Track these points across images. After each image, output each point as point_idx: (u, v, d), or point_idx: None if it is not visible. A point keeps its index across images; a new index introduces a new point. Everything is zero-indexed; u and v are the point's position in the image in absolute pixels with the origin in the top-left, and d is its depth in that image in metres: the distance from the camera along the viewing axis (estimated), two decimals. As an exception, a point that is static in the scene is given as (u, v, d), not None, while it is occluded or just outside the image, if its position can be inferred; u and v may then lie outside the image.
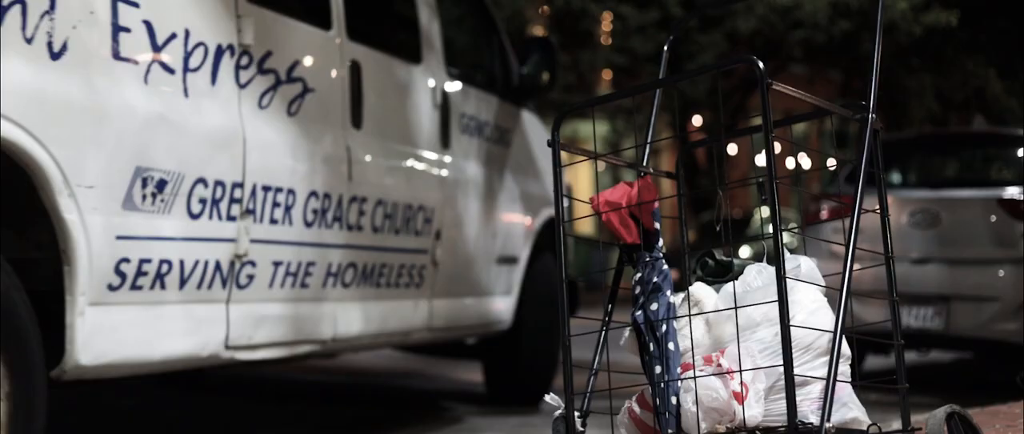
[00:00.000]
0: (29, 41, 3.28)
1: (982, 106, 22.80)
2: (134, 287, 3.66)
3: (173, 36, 3.82)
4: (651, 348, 2.83)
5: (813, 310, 2.86)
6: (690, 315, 2.87)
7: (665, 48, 3.43)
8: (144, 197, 3.62)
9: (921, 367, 9.28)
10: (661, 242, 2.95)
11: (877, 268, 3.03)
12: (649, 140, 3.27)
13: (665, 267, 2.90)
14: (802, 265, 2.97)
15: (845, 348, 2.80)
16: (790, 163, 19.36)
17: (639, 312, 2.87)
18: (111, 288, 3.55)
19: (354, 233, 4.78)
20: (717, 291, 2.98)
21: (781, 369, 2.57)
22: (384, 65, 5.21)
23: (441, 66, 5.77)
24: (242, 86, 4.14)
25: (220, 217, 3.99)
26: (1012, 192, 7.39)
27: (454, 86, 5.88)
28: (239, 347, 4.21)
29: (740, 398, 2.71)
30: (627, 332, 2.93)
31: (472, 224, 5.89)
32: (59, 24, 3.34)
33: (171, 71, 3.80)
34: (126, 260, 3.57)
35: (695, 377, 2.74)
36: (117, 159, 3.51)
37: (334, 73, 4.75)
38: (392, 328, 5.20)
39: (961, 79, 22.44)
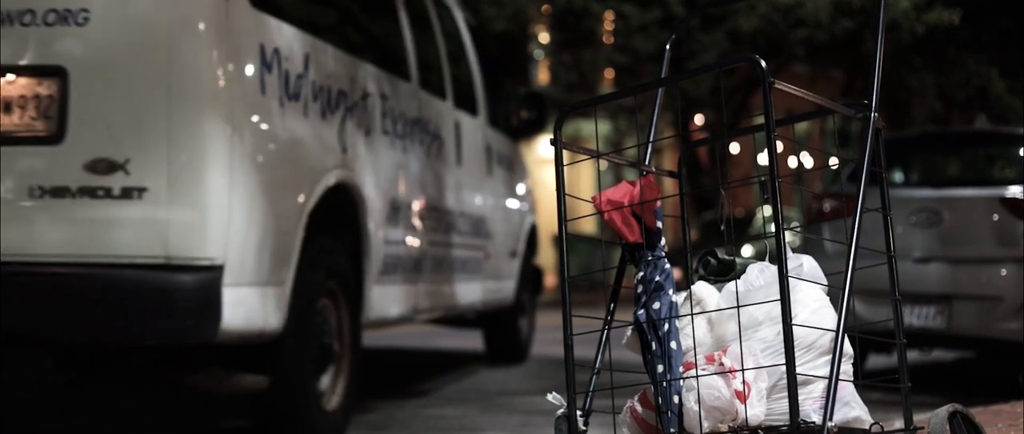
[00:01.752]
0: (367, 133, 5.65)
1: (984, 105, 22.81)
2: (388, 273, 5.87)
3: (407, 121, 6.26)
4: (653, 347, 2.83)
5: (815, 309, 2.86)
6: (692, 314, 2.87)
7: (667, 47, 3.43)
8: (393, 216, 5.90)
9: (923, 366, 9.28)
10: (663, 241, 2.95)
11: (879, 267, 3.03)
12: (651, 139, 3.27)
13: (667, 266, 2.89)
14: (804, 264, 2.97)
15: (847, 347, 2.80)
16: (792, 162, 19.36)
17: (641, 311, 2.87)
18: (381, 274, 5.77)
19: (458, 236, 7.15)
20: (719, 290, 2.98)
21: (783, 368, 2.57)
22: (466, 121, 7.58)
23: (485, 116, 8.10)
24: (422, 143, 6.51)
25: (418, 229, 6.33)
26: (1014, 191, 7.39)
27: (490, 130, 8.20)
28: (419, 311, 6.55)
29: (742, 397, 2.71)
30: (629, 331, 2.93)
31: (500, 228, 8.18)
32: (376, 120, 5.79)
33: (399, 137, 6.12)
34: (387, 256, 5.82)
35: (697, 376, 2.74)
36: (386, 195, 5.81)
37: (449, 129, 7.12)
38: (467, 301, 7.46)
39: (963, 78, 22.45)
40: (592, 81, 23.97)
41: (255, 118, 4.55)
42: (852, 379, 2.87)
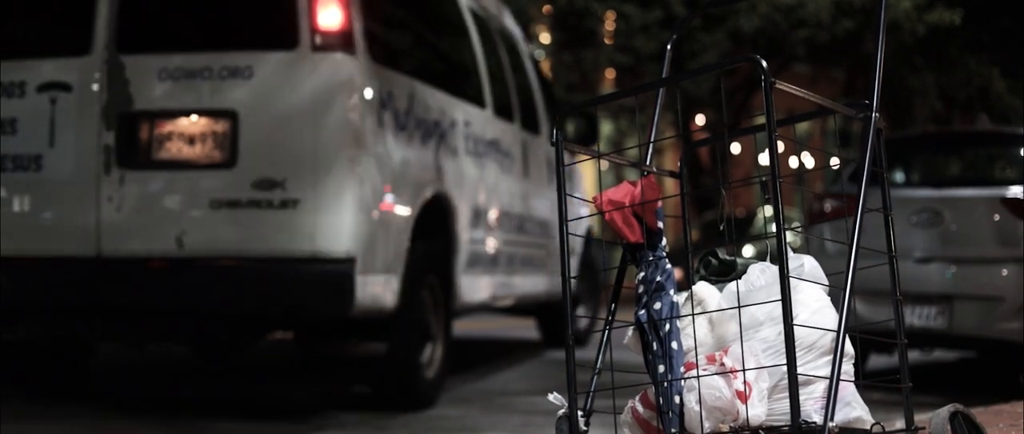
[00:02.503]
0: (455, 154, 6.91)
1: (985, 105, 22.80)
2: (472, 267, 7.11)
3: (484, 142, 7.49)
4: (654, 347, 2.83)
5: (816, 309, 2.86)
6: (693, 314, 2.87)
7: (668, 47, 3.43)
8: (476, 221, 7.10)
9: (924, 366, 9.28)
10: (664, 241, 2.95)
11: (880, 267, 3.02)
12: (652, 139, 3.27)
13: (668, 266, 2.89)
14: (805, 264, 2.97)
15: (848, 347, 2.80)
16: (793, 162, 19.37)
17: (642, 311, 2.87)
18: (466, 268, 7.00)
19: (526, 236, 8.38)
20: (720, 290, 2.98)
21: (784, 368, 2.57)
22: (530, 140, 8.72)
23: (545, 134, 9.12)
24: (496, 161, 7.70)
25: (494, 231, 7.53)
26: (1015, 191, 7.39)
27: (549, 146, 9.11)
28: (496, 299, 7.80)
29: (743, 397, 2.71)
30: (630, 331, 2.93)
31: (552, 227, 8.94)
32: (461, 143, 7.02)
33: (479, 156, 7.32)
34: (471, 253, 7.01)
35: (698, 376, 2.74)
36: (470, 204, 7.02)
37: (518, 148, 8.31)
38: (533, 292, 8.66)
39: (964, 78, 22.44)
40: (593, 81, 23.96)
41: (376, 146, 5.89)
42: (853, 379, 2.87)
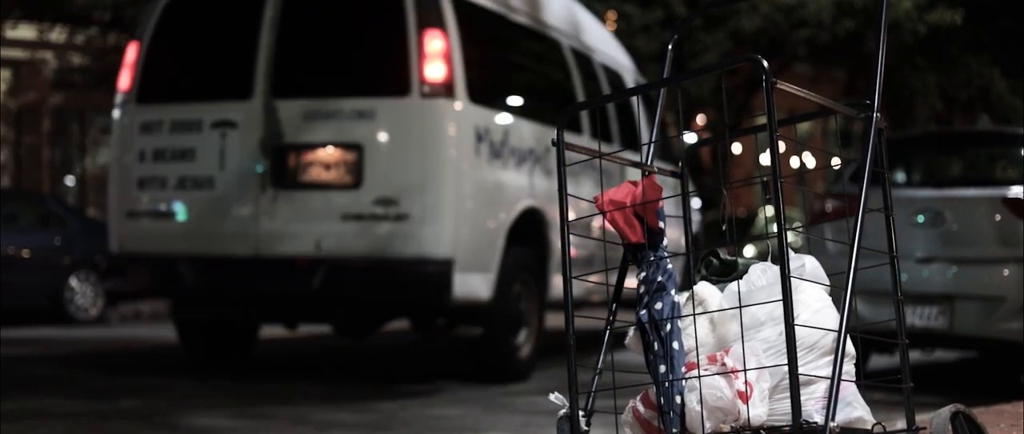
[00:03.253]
0: (548, 172, 7.99)
1: (986, 105, 22.80)
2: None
3: (580, 162, 7.54)
4: (655, 347, 2.83)
5: (817, 309, 2.85)
6: (694, 314, 2.87)
7: (669, 47, 3.43)
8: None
9: (925, 366, 9.27)
10: (665, 241, 2.95)
11: (881, 267, 3.02)
12: (653, 139, 3.27)
13: (669, 266, 2.89)
14: (807, 264, 2.96)
15: (849, 347, 2.79)
16: (794, 162, 19.36)
17: (643, 311, 2.86)
18: (557, 269, 7.95)
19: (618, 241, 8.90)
20: (721, 290, 2.97)
21: (785, 368, 2.57)
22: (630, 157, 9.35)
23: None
24: (589, 177, 8.03)
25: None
26: (1016, 191, 7.38)
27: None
28: (589, 292, 8.47)
29: (744, 397, 2.71)
30: (631, 331, 2.93)
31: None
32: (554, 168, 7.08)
33: (574, 174, 7.66)
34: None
35: (699, 376, 2.74)
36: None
37: (615, 166, 8.56)
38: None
39: (965, 78, 22.43)
40: (594, 81, 23.92)
41: (471, 171, 7.38)
42: (854, 379, 2.87)
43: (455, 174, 7.28)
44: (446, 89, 7.20)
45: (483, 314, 7.66)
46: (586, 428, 2.87)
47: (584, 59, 9.26)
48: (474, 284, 7.40)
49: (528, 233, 8.03)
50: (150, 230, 7.74)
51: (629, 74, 10.39)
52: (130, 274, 8.10)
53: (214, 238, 7.53)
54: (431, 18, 7.23)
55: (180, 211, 7.64)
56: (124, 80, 7.83)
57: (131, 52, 7.89)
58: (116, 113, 7.91)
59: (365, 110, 7.27)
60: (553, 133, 8.54)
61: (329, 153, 7.35)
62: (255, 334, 8.97)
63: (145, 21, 7.96)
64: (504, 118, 7.91)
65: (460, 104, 7.28)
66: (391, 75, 7.27)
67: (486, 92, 7.75)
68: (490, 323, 7.72)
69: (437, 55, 7.16)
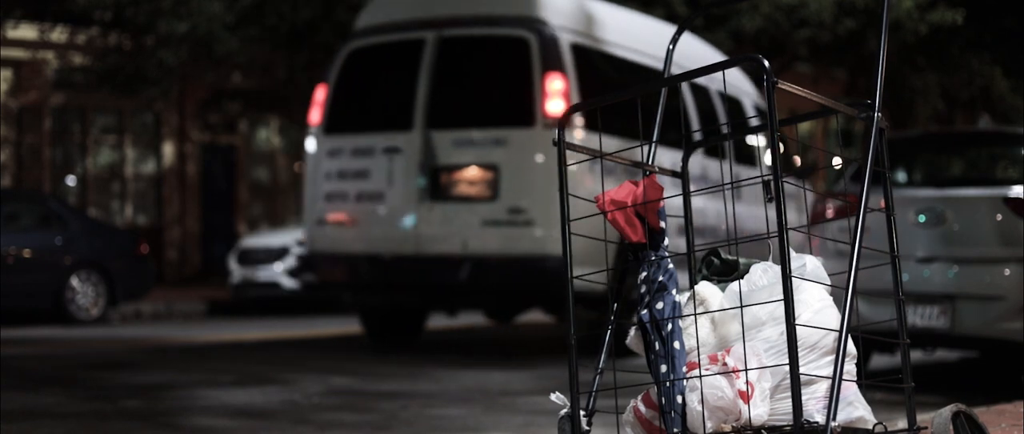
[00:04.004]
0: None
1: (987, 105, 22.79)
2: (679, 264, 7.70)
3: (692, 175, 8.18)
4: (656, 347, 2.83)
5: (819, 309, 2.85)
6: (696, 314, 2.87)
7: (670, 47, 3.43)
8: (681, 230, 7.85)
9: (926, 366, 9.27)
10: (667, 241, 2.95)
11: (882, 267, 3.02)
12: (655, 139, 3.27)
13: (671, 266, 2.89)
14: (808, 264, 2.96)
15: (851, 347, 2.79)
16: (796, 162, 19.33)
17: (645, 311, 2.86)
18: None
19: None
20: (722, 290, 2.97)
21: (787, 368, 2.57)
22: (745, 171, 10.23)
23: (760, 164, 10.66)
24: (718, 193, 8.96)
25: (697, 237, 9.29)
26: (1017, 191, 7.37)
27: (757, 170, 10.66)
28: None
29: (746, 397, 2.71)
30: (632, 331, 2.93)
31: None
32: (668, 178, 7.26)
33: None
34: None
35: (701, 376, 2.74)
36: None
37: (728, 177, 9.82)
38: None
39: (966, 78, 22.41)
40: (595, 81, 23.90)
41: (585, 185, 8.45)
42: (855, 379, 2.87)
43: (571, 188, 8.82)
44: (565, 119, 8.94)
45: (601, 302, 8.60)
46: (587, 428, 2.87)
47: (699, 88, 10.56)
48: (590, 277, 8.05)
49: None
50: (335, 234, 9.87)
51: (749, 99, 11.63)
52: (320, 269, 10.19)
53: (384, 240, 9.57)
54: (552, 63, 9.08)
55: (359, 218, 9.70)
56: (314, 116, 10.03)
57: (320, 93, 10.03)
58: (309, 142, 10.16)
59: (500, 138, 9.12)
60: (666, 150, 8.81)
61: (472, 172, 9.25)
62: (423, 321, 10.91)
63: (330, 68, 10.08)
64: (616, 142, 9.00)
65: (578, 133, 8.99)
66: (520, 110, 9.13)
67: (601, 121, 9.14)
68: (608, 311, 9.09)
69: (557, 94, 8.97)
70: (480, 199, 9.23)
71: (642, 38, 10.38)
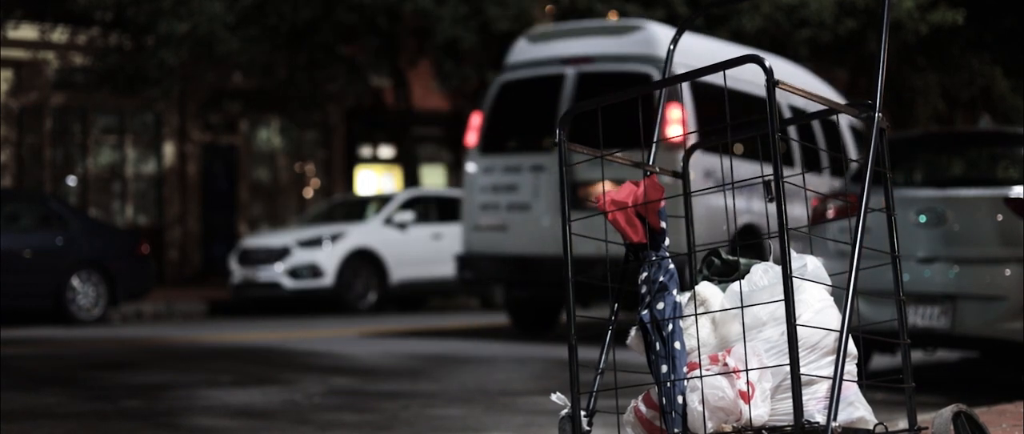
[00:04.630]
0: (761, 198, 7.20)
1: (988, 105, 22.78)
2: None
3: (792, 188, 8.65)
4: (657, 347, 2.83)
5: (819, 309, 2.85)
6: (697, 314, 2.87)
7: (671, 47, 3.43)
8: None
9: (927, 366, 9.27)
10: (667, 241, 2.95)
11: (883, 267, 3.02)
12: (655, 139, 3.27)
13: (671, 266, 2.89)
14: (808, 264, 2.96)
15: (851, 347, 2.79)
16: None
17: (645, 311, 2.86)
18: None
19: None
20: (723, 290, 2.97)
21: (787, 368, 2.57)
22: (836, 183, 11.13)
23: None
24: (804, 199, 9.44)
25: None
26: (1018, 191, 7.37)
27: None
28: None
29: (746, 397, 2.71)
30: (633, 331, 2.93)
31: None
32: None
33: (788, 196, 8.44)
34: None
35: (701, 376, 2.74)
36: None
37: (825, 188, 10.86)
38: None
39: (967, 78, 22.40)
40: (596, 81, 23.92)
41: (701, 198, 8.77)
42: (856, 379, 2.86)
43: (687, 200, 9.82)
44: (681, 144, 9.71)
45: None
46: (588, 428, 2.87)
47: (799, 111, 11.36)
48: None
49: (748, 240, 9.63)
50: (489, 238, 11.35)
51: (845, 119, 12.45)
52: (476, 267, 11.65)
53: (530, 243, 10.98)
54: (671, 95, 9.72)
55: (508, 225, 11.19)
56: (471, 138, 11.63)
57: (475, 119, 11.66)
58: (468, 162, 11.76)
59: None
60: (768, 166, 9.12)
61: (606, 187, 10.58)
62: (558, 312, 12.26)
63: (486, 97, 11.79)
64: (724, 161, 9.64)
65: (693, 153, 9.55)
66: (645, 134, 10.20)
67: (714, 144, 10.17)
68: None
69: (675, 121, 10.16)
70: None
71: (743, 70, 12.23)
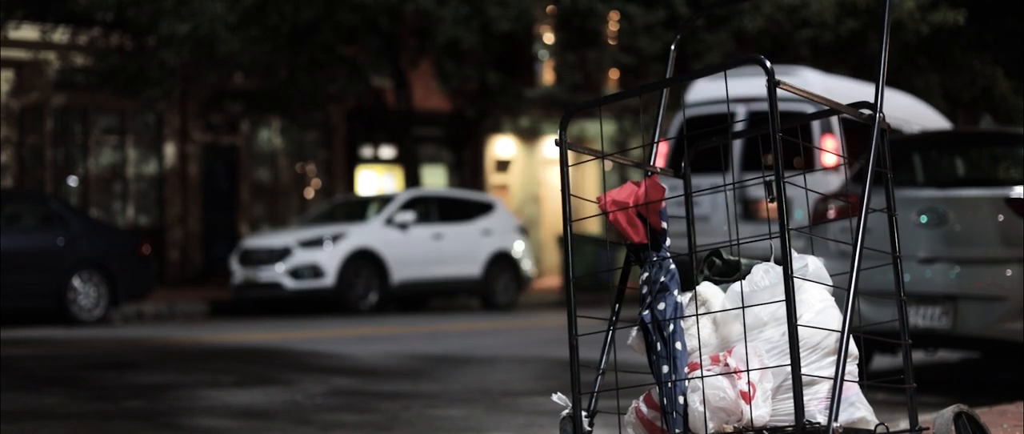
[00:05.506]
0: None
1: (989, 105, 22.78)
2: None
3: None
4: (658, 348, 2.83)
5: (820, 310, 2.85)
6: (697, 314, 2.87)
7: (672, 47, 3.43)
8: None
9: (928, 367, 9.27)
10: (668, 241, 2.95)
11: (884, 267, 3.02)
12: (656, 139, 3.27)
13: (672, 267, 2.89)
14: (809, 265, 2.96)
15: (852, 348, 2.79)
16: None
17: (646, 312, 2.86)
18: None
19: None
20: (724, 291, 2.97)
21: (788, 369, 2.57)
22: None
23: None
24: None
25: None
26: (1019, 191, 7.37)
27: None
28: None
29: (747, 398, 2.71)
30: (634, 331, 2.93)
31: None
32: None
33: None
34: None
35: (702, 377, 2.74)
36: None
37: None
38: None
39: (968, 78, 22.39)
40: (597, 81, 23.95)
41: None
42: (857, 380, 2.87)
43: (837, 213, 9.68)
44: (836, 169, 10.91)
45: None
46: (589, 428, 2.87)
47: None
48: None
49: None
50: (675, 244, 12.32)
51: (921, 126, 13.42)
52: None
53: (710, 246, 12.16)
54: (825, 128, 11.84)
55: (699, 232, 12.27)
56: (660, 162, 12.30)
57: (662, 147, 12.58)
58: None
59: (789, 179, 11.39)
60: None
61: (772, 204, 11.47)
62: None
63: (669, 127, 13.25)
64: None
65: (843, 176, 10.13)
66: (806, 160, 11.35)
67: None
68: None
69: (829, 150, 11.50)
70: (775, 220, 12.12)
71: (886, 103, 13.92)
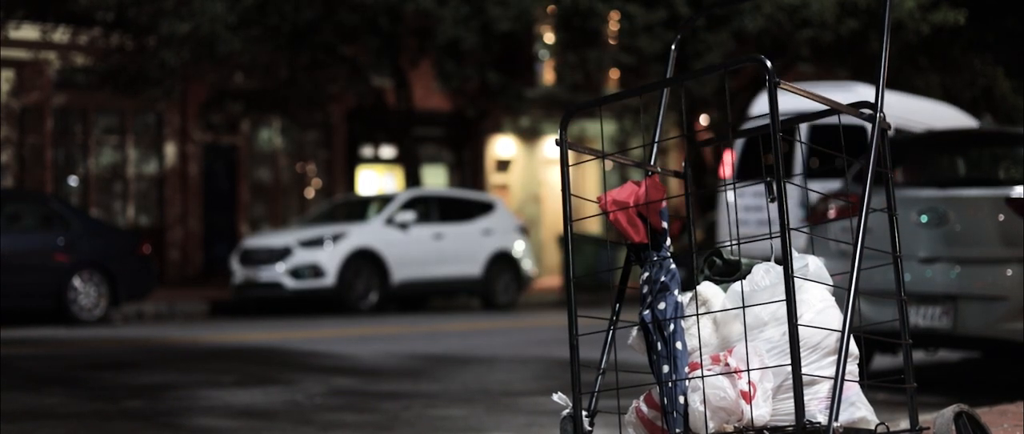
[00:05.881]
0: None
1: (990, 105, 22.78)
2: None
3: None
4: (659, 347, 2.83)
5: (821, 309, 2.85)
6: (698, 314, 2.87)
7: (672, 47, 3.43)
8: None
9: (929, 367, 9.27)
10: (669, 241, 2.95)
11: (884, 267, 3.02)
12: (656, 139, 3.27)
13: (673, 266, 2.89)
14: (810, 264, 2.96)
15: (853, 347, 2.79)
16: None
17: (647, 311, 2.86)
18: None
19: None
20: (725, 290, 2.97)
21: (789, 368, 2.57)
22: None
23: None
24: None
25: None
26: (1019, 191, 7.36)
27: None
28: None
29: (748, 397, 2.71)
30: (634, 331, 2.93)
31: None
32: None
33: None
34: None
35: (703, 376, 2.74)
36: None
37: None
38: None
39: (969, 78, 22.39)
40: (597, 81, 23.94)
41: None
42: (857, 379, 2.86)
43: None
44: (884, 177, 11.97)
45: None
46: (590, 428, 2.87)
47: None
48: None
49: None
50: (743, 248, 13.20)
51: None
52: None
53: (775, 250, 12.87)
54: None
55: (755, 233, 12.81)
56: (726, 170, 13.26)
57: (727, 157, 13.31)
58: (725, 191, 12.93)
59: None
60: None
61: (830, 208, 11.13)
62: None
63: (737, 142, 13.13)
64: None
65: (894, 179, 11.38)
66: (861, 171, 12.08)
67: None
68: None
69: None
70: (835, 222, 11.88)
71: (916, 111, 13.50)
